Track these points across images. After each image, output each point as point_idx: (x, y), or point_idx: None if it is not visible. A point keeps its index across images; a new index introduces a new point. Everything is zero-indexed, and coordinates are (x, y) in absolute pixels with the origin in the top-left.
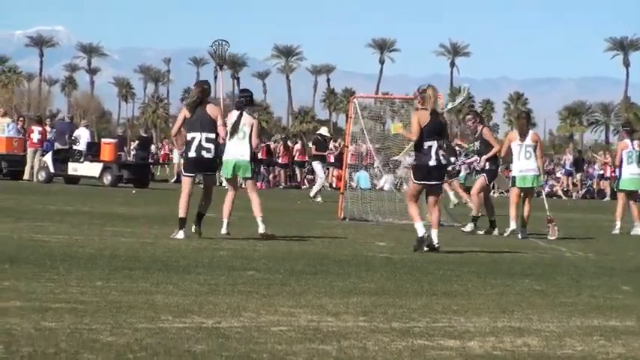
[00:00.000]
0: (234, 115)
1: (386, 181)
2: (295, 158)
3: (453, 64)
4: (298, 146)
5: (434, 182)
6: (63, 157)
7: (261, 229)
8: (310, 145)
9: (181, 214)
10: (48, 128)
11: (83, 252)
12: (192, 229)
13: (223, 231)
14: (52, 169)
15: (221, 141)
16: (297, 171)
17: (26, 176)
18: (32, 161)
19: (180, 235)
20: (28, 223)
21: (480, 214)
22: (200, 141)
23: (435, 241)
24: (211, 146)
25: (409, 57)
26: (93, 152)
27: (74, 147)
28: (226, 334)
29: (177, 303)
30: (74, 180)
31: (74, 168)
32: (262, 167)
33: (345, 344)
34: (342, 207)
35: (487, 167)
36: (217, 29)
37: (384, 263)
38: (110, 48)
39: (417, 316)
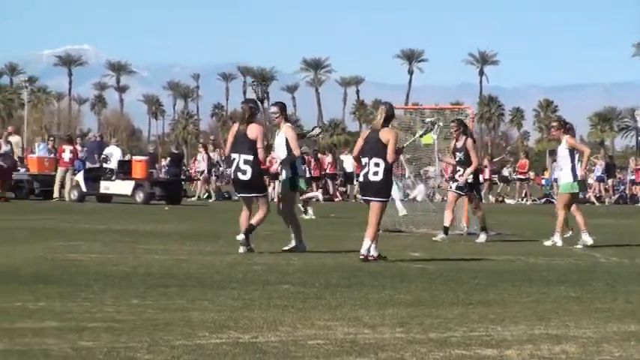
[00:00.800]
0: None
1: (419, 192)
2: (327, 171)
3: (482, 73)
4: (329, 159)
5: (365, 198)
6: (94, 176)
7: None
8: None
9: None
10: (79, 147)
11: (117, 270)
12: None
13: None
14: (84, 188)
15: (271, 163)
16: (330, 183)
17: (55, 195)
18: (62, 180)
19: (241, 249)
20: (61, 242)
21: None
22: (238, 162)
23: (365, 248)
24: (248, 168)
25: (438, 67)
26: (124, 170)
27: (105, 165)
28: (263, 348)
29: (213, 319)
30: (106, 198)
31: (106, 186)
32: None
33: (382, 356)
34: None
35: (470, 181)
36: (245, 44)
37: (419, 274)
38: (138, 65)
39: (453, 325)
